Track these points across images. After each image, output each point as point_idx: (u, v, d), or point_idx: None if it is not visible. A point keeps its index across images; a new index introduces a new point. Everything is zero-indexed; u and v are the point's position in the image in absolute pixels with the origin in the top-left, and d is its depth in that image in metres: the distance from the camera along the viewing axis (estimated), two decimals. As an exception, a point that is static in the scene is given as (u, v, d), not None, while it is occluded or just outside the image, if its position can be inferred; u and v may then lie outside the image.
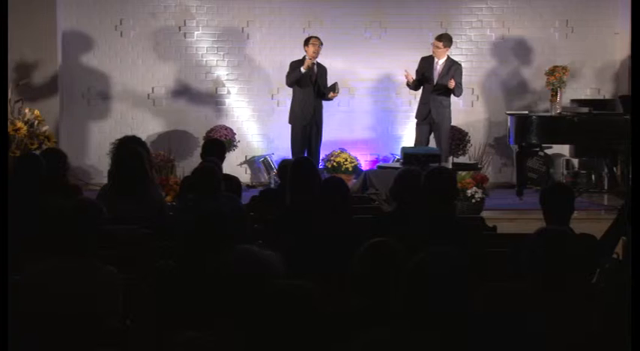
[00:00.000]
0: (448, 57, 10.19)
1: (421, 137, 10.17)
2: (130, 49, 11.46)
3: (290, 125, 10.23)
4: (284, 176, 6.71)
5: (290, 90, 10.27)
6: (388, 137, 11.54)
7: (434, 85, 10.02)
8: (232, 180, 6.87)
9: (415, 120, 10.33)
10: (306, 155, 9.68)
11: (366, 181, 9.78)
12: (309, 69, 9.99)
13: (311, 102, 10.09)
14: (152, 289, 4.00)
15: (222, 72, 11.56)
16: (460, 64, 10.25)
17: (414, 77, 10.09)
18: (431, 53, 10.18)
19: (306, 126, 10.09)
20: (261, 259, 3.08)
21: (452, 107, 10.17)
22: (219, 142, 8.25)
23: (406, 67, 10.23)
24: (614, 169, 10.56)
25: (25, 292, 3.91)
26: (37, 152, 7.96)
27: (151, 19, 11.45)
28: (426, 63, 10.16)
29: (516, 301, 3.46)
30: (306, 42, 10.15)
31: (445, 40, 10.14)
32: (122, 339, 3.93)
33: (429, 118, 10.09)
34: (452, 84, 9.84)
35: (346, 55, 11.33)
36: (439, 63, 10.10)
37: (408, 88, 10.42)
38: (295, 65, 10.08)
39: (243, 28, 11.55)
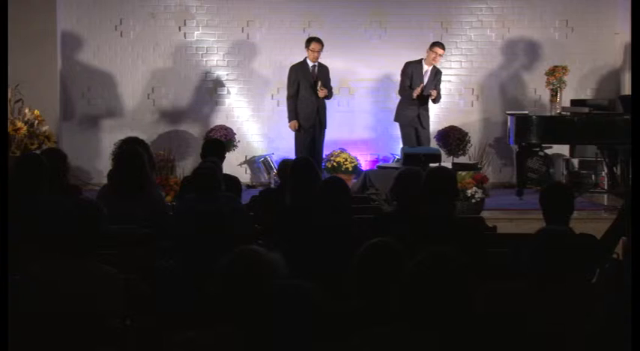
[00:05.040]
0: None
1: (410, 140, 10.25)
2: (130, 49, 11.46)
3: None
4: (284, 176, 6.71)
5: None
6: (388, 137, 11.54)
7: (422, 92, 10.11)
8: (232, 180, 6.87)
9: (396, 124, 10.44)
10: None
11: (366, 181, 9.78)
12: (311, 72, 10.03)
13: (313, 102, 10.07)
14: (152, 289, 4.00)
15: (222, 72, 11.56)
16: (441, 71, 10.46)
17: (411, 86, 10.20)
18: (420, 58, 10.30)
19: (310, 128, 10.05)
20: (263, 260, 3.08)
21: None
22: (219, 142, 8.25)
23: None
24: (614, 169, 10.55)
25: (25, 292, 3.90)
26: (37, 152, 7.94)
27: (150, 19, 11.45)
28: (415, 69, 10.27)
29: (516, 301, 3.46)
30: (308, 45, 10.14)
31: (444, 47, 10.27)
32: (122, 339, 3.92)
33: (415, 122, 10.19)
34: (434, 94, 10.13)
35: (346, 55, 11.33)
36: (428, 70, 10.19)
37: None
38: (296, 69, 10.11)
39: (243, 28, 11.54)
